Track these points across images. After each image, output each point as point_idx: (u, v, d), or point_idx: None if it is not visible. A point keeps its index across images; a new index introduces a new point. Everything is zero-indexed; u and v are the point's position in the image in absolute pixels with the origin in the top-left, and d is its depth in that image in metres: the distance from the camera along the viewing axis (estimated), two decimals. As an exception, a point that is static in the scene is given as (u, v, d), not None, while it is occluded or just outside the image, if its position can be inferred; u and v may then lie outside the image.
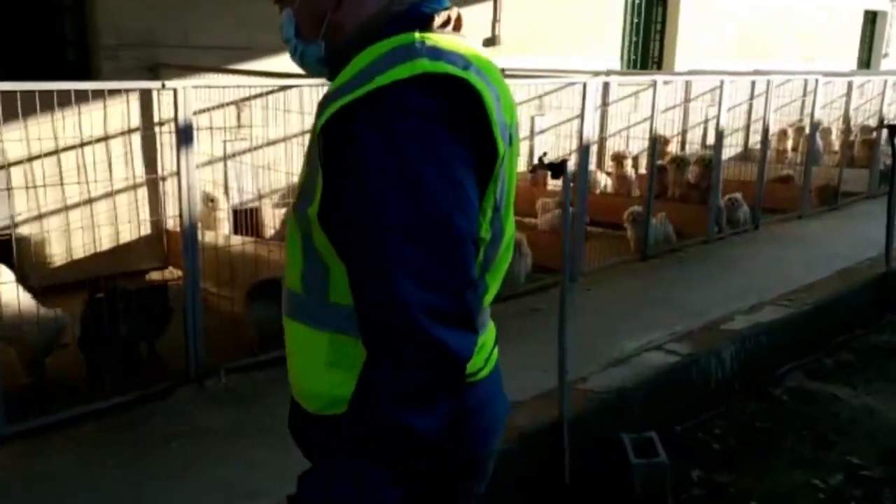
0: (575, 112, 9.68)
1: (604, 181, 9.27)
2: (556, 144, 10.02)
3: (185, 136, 4.09)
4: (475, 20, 9.12)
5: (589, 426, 4.15)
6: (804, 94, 13.34)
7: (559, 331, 3.88)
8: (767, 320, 5.56)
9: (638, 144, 10.95)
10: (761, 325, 5.45)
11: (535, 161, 3.64)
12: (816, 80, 9.22)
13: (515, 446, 3.72)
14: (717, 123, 7.87)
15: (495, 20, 9.38)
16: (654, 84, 7.13)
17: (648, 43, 12.10)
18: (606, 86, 10.40)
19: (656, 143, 7.30)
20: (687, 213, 8.16)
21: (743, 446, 4.68)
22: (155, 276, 6.93)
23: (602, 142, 10.65)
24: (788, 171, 10.24)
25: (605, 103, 10.48)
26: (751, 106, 8.97)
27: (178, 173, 4.17)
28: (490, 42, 9.38)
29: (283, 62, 6.94)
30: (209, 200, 6.78)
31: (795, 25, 14.38)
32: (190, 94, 4.08)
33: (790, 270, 6.94)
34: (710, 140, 12.12)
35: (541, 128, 10.16)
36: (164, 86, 4.11)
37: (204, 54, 6.97)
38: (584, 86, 6.28)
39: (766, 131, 8.66)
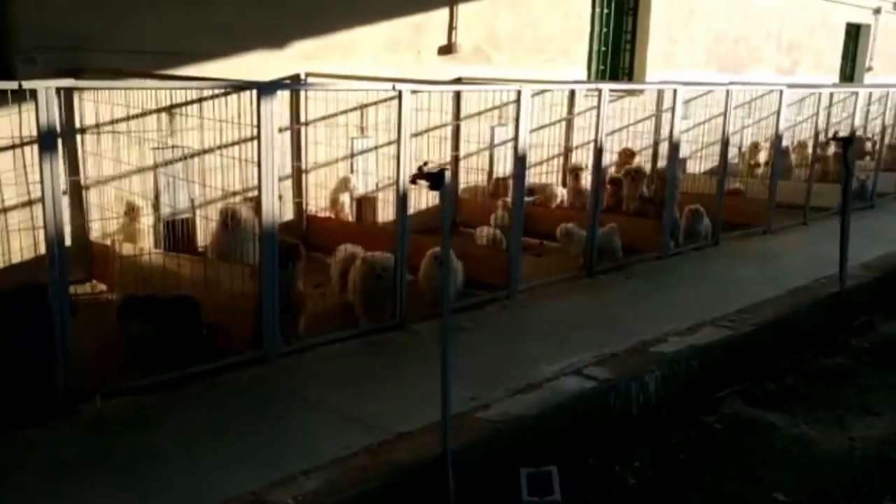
0: (536, 123, 9.54)
1: (560, 194, 8.96)
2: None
3: (46, 143, 3.78)
4: (430, 26, 8.85)
5: (485, 458, 3.83)
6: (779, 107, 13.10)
7: (442, 361, 3.55)
8: (703, 342, 5.24)
9: (608, 157, 10.67)
10: (695, 348, 5.13)
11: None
12: (781, 92, 8.93)
13: (386, 483, 3.39)
14: (671, 134, 7.57)
15: (451, 27, 9.09)
16: (599, 92, 6.83)
17: (619, 53, 11.82)
18: (572, 95, 10.21)
19: (601, 155, 6.99)
20: (642, 228, 7.84)
21: (662, 480, 4.34)
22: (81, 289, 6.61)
23: (567, 153, 10.37)
24: (738, 184, 9.94)
25: (569, 113, 10.27)
26: (725, 118, 8.67)
27: (41, 183, 3.86)
28: (446, 50, 9.10)
29: (217, 67, 6.58)
30: (130, 210, 6.47)
31: (774, 37, 14.11)
32: (53, 96, 3.77)
33: (742, 288, 6.62)
34: (685, 153, 11.95)
35: (501, 139, 9.86)
36: (20, 87, 3.78)
37: (132, 58, 6.67)
38: (519, 93, 5.99)
39: (724, 143, 8.37)
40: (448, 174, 3.24)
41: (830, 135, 9.71)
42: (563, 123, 10.18)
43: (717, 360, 5.26)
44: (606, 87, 6.86)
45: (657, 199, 7.78)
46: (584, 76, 10.93)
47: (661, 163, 11.14)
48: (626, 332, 5.41)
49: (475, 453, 3.78)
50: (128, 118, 6.79)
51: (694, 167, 11.17)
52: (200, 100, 6.91)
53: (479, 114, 9.35)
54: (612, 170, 9.21)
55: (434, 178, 3.22)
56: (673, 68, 12.11)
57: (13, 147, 5.87)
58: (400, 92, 5.22)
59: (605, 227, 7.08)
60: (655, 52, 11.91)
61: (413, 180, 3.31)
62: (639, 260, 7.51)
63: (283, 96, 7.62)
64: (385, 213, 8.39)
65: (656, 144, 11.24)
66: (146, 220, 6.58)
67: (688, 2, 12.21)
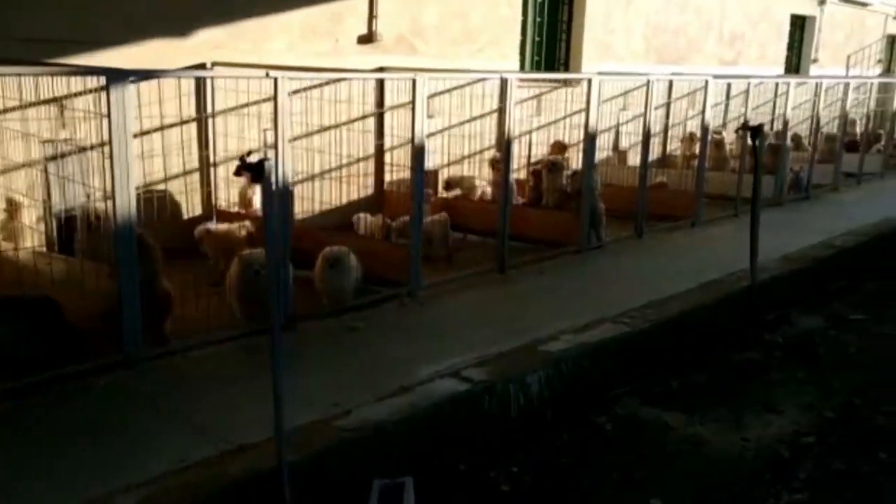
0: (468, 115, 9.32)
1: (481, 187, 8.73)
2: (447, 148, 9.51)
3: None
4: (349, 14, 8.55)
5: (335, 470, 3.57)
6: (727, 98, 13.01)
7: (273, 369, 3.28)
8: (595, 340, 5.03)
9: (541, 150, 10.48)
10: (585, 346, 4.91)
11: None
12: (706, 82, 8.77)
13: (211, 499, 3.12)
14: (587, 124, 7.36)
15: (372, 15, 8.80)
16: (503, 82, 6.59)
17: (554, 43, 11.61)
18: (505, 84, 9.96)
19: (510, 147, 6.76)
20: (560, 222, 7.63)
21: (539, 486, 4.12)
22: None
23: (509, 144, 10.12)
24: (662, 178, 9.79)
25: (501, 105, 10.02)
26: (646, 108, 8.46)
27: None
28: (366, 39, 8.81)
29: (117, 56, 6.18)
30: (9, 207, 6.12)
31: (716, 29, 13.99)
32: None
33: (654, 283, 6.43)
34: (624, 145, 11.80)
35: (430, 130, 9.60)
36: None
37: (21, 47, 6.31)
38: (414, 82, 5.73)
39: (646, 135, 8.18)
40: (270, 164, 2.97)
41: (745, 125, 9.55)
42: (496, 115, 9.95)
43: (611, 358, 5.05)
44: (512, 76, 6.62)
45: (573, 191, 7.55)
46: (516, 67, 10.69)
47: (601, 155, 11.07)
48: (520, 330, 5.18)
49: (323, 464, 3.52)
50: (12, 109, 6.42)
51: (635, 159, 10.99)
52: (96, 90, 6.58)
53: (402, 106, 9.07)
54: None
55: (255, 169, 2.95)
56: (611, 60, 11.94)
57: None
58: (275, 79, 4.93)
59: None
60: (592, 43, 11.72)
61: (237, 172, 3.04)
62: (557, 254, 7.30)
63: (187, 85, 7.31)
64: (302, 206, 8.11)
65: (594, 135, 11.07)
66: (28, 218, 6.22)
67: (625, -9, 12.04)
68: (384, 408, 3.98)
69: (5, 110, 6.39)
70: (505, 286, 6.41)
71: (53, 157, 6.72)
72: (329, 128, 8.06)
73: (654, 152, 11.89)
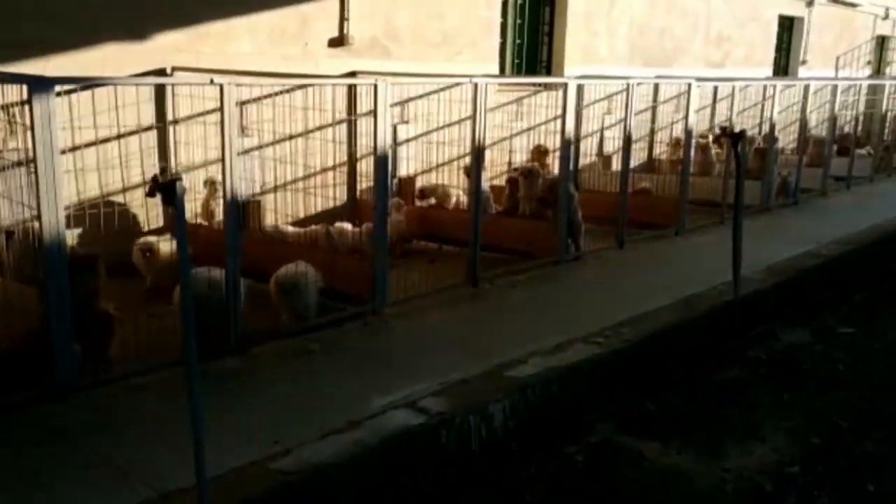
0: (444, 120, 8.98)
1: (456, 195, 8.41)
2: (423, 155, 9.20)
3: None
4: (319, 16, 8.23)
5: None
6: (714, 101, 12.70)
7: (191, 413, 2.95)
8: (566, 363, 4.71)
9: (522, 156, 10.18)
10: (555, 370, 4.60)
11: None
12: (689, 85, 8.48)
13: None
14: (563, 129, 7.05)
15: (343, 17, 8.48)
16: (475, 87, 6.28)
17: (536, 46, 11.30)
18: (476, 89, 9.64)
19: (481, 154, 6.45)
20: (537, 232, 7.31)
21: (499, 527, 3.81)
22: None
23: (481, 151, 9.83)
24: (645, 183, 9.49)
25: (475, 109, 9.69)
26: (626, 112, 8.15)
27: None
28: (337, 42, 8.48)
29: (65, 60, 5.73)
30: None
31: (702, 30, 13.71)
32: None
33: (633, 297, 6.13)
34: (609, 150, 11.50)
35: (405, 137, 9.29)
36: None
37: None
38: (375, 87, 5.41)
39: (627, 139, 7.89)
40: (182, 185, 2.65)
41: (721, 130, 9.28)
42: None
43: (583, 381, 4.73)
44: (483, 81, 6.31)
45: (551, 199, 7.24)
46: (495, 70, 10.38)
47: (585, 161, 10.78)
48: (486, 352, 4.87)
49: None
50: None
51: (619, 164, 10.70)
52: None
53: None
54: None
55: (165, 191, 2.62)
56: (594, 62, 11.64)
57: None
58: (221, 86, 4.60)
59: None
60: (574, 46, 11.41)
61: (150, 193, 2.71)
62: (533, 266, 6.98)
63: (144, 92, 6.97)
64: (275, 217, 7.79)
65: (577, 141, 10.78)
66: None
67: (608, -8, 11.73)
68: (327, 446, 3.65)
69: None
70: (475, 302, 6.09)
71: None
72: (297, 135, 7.72)
73: (639, 157, 11.66)
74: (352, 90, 8.45)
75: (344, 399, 4.20)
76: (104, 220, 5.69)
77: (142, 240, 6.37)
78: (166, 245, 6.32)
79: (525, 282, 6.61)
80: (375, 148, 5.49)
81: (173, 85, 6.44)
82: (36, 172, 3.95)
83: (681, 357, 5.58)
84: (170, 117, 7.32)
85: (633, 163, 10.79)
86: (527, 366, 4.63)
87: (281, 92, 7.56)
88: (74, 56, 6.59)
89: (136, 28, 6.95)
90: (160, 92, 7.17)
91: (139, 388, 4.37)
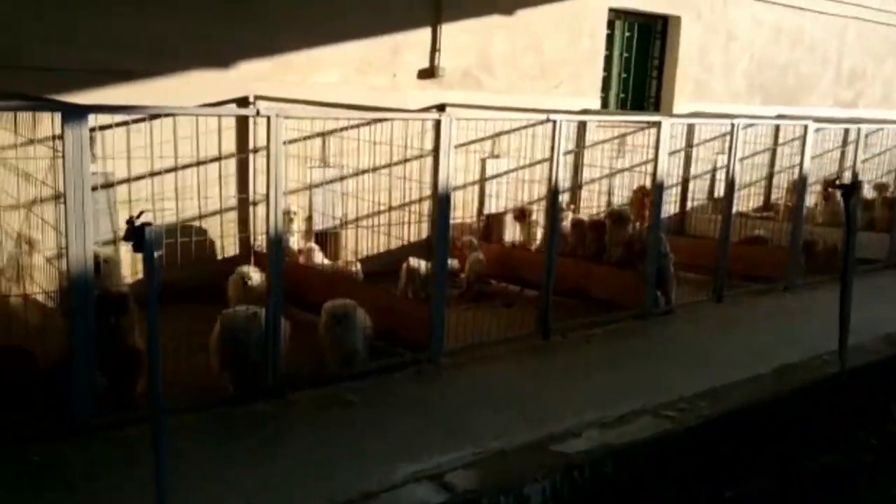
0: (538, 155, 8.55)
1: (540, 237, 7.92)
2: (512, 192, 8.78)
3: None
4: (409, 47, 8.02)
5: None
6: (843, 145, 11.65)
7: (157, 478, 2.64)
8: (626, 440, 4.14)
9: (623, 194, 9.60)
10: (610, 448, 4.04)
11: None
12: (805, 127, 7.68)
13: None
14: (655, 172, 6.46)
15: (434, 48, 8.23)
16: (553, 123, 5.83)
17: (644, 80, 10.69)
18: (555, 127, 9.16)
19: (556, 194, 5.96)
20: (623, 281, 6.73)
21: None
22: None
23: (576, 190, 9.35)
24: (760, 230, 8.63)
25: (578, 146, 9.22)
26: (730, 154, 7.45)
27: None
28: (427, 73, 8.24)
29: (148, 88, 5.69)
30: (22, 243, 5.82)
31: (833, 65, 12.65)
32: None
33: (722, 363, 5.46)
34: (720, 193, 10.69)
35: (494, 171, 8.92)
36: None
37: (39, 77, 6.06)
38: (438, 123, 5.06)
39: (730, 184, 7.18)
40: (152, 231, 2.36)
41: (836, 182, 8.36)
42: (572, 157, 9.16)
43: (645, 462, 4.14)
44: (562, 118, 5.85)
45: (636, 246, 6.64)
46: (597, 105, 9.87)
47: (696, 204, 10.05)
48: (539, 417, 4.37)
49: None
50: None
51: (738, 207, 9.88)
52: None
53: (470, 143, 8.43)
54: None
55: (135, 237, 2.34)
56: (707, 99, 10.91)
57: None
58: (268, 118, 4.38)
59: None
60: (686, 81, 10.74)
61: (126, 237, 2.45)
62: (616, 318, 6.40)
63: (225, 119, 6.93)
64: (346, 255, 7.59)
65: (685, 183, 10.09)
66: (38, 257, 5.89)
67: (726, 24, 10.97)
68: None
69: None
70: (543, 356, 5.59)
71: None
72: (376, 169, 7.46)
73: (754, 202, 10.78)
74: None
75: (369, 462, 3.81)
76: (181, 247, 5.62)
77: (242, 268, 6.24)
78: (257, 275, 6.10)
79: (602, 336, 6.04)
80: (436, 188, 5.13)
81: (220, 116, 6.27)
82: (65, 204, 3.81)
83: (768, 438, 4.87)
84: (251, 146, 7.25)
85: (746, 207, 10.05)
86: (580, 440, 4.09)
87: (362, 124, 7.34)
88: (156, 84, 6.61)
89: (220, 56, 6.93)
90: (242, 121, 7.12)
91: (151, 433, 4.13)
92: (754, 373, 5.25)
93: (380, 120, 6.49)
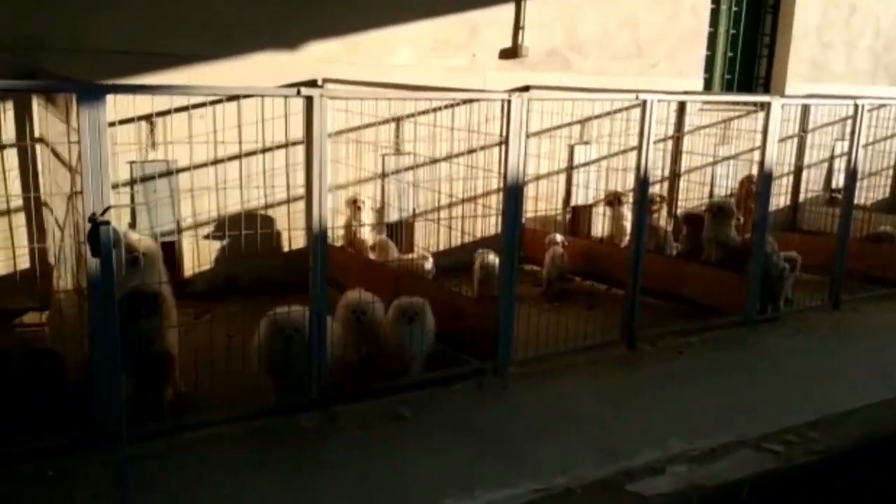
0: (632, 142, 7.83)
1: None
2: (602, 182, 8.09)
3: None
4: (490, 25, 7.43)
5: None
6: None
7: None
8: (717, 481, 3.45)
9: (726, 184, 8.74)
10: (701, 490, 3.36)
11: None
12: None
13: None
14: (762, 161, 5.65)
15: (518, 26, 7.61)
16: (643, 104, 5.13)
17: (753, 59, 9.73)
18: (645, 107, 8.34)
19: (646, 184, 5.26)
20: (723, 283, 5.95)
21: None
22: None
23: (674, 180, 8.55)
24: (886, 226, 7.58)
25: (678, 131, 8.41)
26: (853, 138, 6.47)
27: None
28: (510, 53, 7.63)
29: (211, 71, 5.35)
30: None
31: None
32: None
33: (836, 384, 4.67)
34: (838, 183, 9.63)
35: (584, 159, 8.25)
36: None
37: (101, 60, 5.82)
38: (508, 104, 4.46)
39: (852, 174, 6.27)
40: (109, 229, 1.90)
41: None
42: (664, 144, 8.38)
43: (743, 506, 3.46)
44: (653, 98, 5.15)
45: (744, 244, 5.85)
46: (699, 86, 9.01)
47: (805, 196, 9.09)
48: (614, 447, 3.74)
49: None
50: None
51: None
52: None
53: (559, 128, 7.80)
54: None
55: (90, 237, 1.89)
56: (826, 80, 9.85)
57: None
58: (309, 98, 3.89)
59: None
60: (801, 60, 9.71)
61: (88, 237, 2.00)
62: (713, 326, 5.66)
63: (294, 104, 6.54)
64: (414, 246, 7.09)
65: (798, 171, 9.12)
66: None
67: (848, -3, 9.87)
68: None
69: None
70: (625, 369, 4.93)
71: (144, 180, 6.24)
72: (452, 157, 6.93)
73: (880, 194, 9.68)
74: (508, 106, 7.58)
75: (411, 493, 3.30)
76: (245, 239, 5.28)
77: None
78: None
79: (696, 346, 5.33)
80: (504, 175, 4.54)
81: (256, 97, 5.84)
82: (82, 191, 3.44)
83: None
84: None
85: (871, 200, 9.00)
86: (662, 478, 3.44)
87: (439, 108, 6.80)
88: (220, 66, 6.29)
89: (286, 38, 6.55)
90: (310, 104, 6.71)
91: (189, 444, 3.75)
92: (880, 397, 4.43)
93: (446, 102, 5.96)
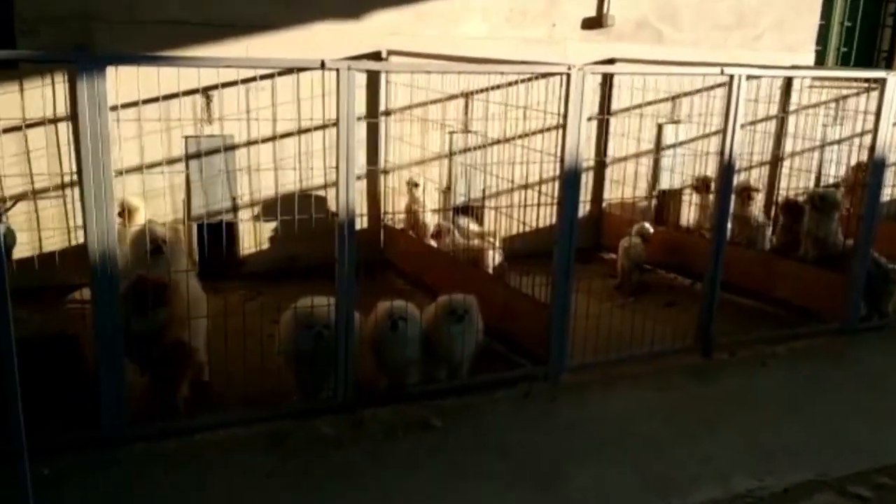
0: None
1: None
2: (692, 165, 7.38)
3: None
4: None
5: None
6: None
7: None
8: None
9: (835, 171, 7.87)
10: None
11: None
12: None
13: None
14: (873, 143, 4.89)
15: (604, -7, 6.99)
16: (729, 80, 4.46)
17: (875, 30, 8.70)
18: (732, 83, 7.51)
19: (730, 171, 4.60)
20: (820, 284, 5.24)
21: None
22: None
23: (776, 162, 7.73)
24: None
25: (784, 110, 7.59)
26: None
27: None
28: (594, 23, 7.01)
29: (270, 42, 5.00)
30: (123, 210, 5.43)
31: None
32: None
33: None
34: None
35: (673, 140, 7.57)
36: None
37: (154, 31, 5.63)
38: (568, 79, 3.93)
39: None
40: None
41: None
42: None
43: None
44: (741, 73, 4.49)
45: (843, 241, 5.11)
46: (810, 60, 8.11)
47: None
48: (669, 478, 3.22)
49: None
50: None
51: None
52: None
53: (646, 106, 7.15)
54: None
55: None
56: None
57: None
58: (337, 71, 3.49)
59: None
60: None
61: None
62: (805, 333, 4.98)
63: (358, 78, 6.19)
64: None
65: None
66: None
67: None
68: None
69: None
70: (696, 382, 4.35)
71: (196, 156, 6.03)
72: (529, 134, 6.40)
73: None
74: (608, 81, 6.98)
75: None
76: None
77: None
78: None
79: (784, 357, 4.67)
80: (562, 160, 4.02)
81: (276, 70, 5.44)
82: (80, 176, 3.17)
83: None
84: (382, 107, 6.48)
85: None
86: (719, 524, 2.91)
87: (513, 83, 6.29)
88: (280, 36, 6.00)
89: (350, 6, 6.18)
90: (373, 78, 6.35)
91: (199, 447, 3.47)
92: None
93: (522, 76, 5.42)
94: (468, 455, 3.45)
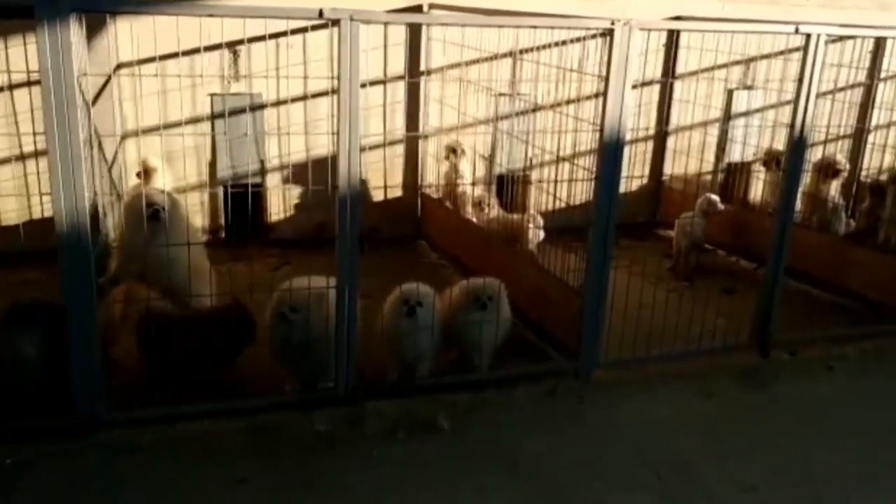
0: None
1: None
2: (766, 136, 6.69)
3: None
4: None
5: None
6: None
7: None
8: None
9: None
10: None
11: None
12: None
13: None
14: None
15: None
16: (805, 41, 3.83)
17: None
18: (808, 42, 6.71)
19: (801, 144, 3.98)
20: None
21: None
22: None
23: (860, 136, 6.96)
24: None
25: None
26: None
27: None
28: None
29: None
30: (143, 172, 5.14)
31: None
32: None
33: None
34: None
35: (745, 108, 6.89)
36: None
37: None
38: (611, 34, 3.39)
39: None
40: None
41: None
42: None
43: None
44: (819, 30, 3.86)
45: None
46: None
47: None
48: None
49: None
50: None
51: None
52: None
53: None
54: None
55: None
56: None
57: None
58: (338, 21, 3.04)
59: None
60: None
61: None
62: (878, 332, 4.37)
63: (395, 33, 5.75)
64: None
65: None
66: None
67: None
68: None
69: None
70: (747, 388, 3.81)
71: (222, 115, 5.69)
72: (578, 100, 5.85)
73: None
74: (672, 40, 6.31)
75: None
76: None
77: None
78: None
79: (854, 360, 4.09)
80: (602, 130, 3.50)
81: (267, 19, 4.98)
82: (47, 142, 2.81)
83: None
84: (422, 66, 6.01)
85: None
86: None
87: (565, 42, 5.71)
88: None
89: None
90: (415, 33, 5.88)
91: (174, 441, 3.15)
92: None
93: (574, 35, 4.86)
94: (471, 467, 3.04)
